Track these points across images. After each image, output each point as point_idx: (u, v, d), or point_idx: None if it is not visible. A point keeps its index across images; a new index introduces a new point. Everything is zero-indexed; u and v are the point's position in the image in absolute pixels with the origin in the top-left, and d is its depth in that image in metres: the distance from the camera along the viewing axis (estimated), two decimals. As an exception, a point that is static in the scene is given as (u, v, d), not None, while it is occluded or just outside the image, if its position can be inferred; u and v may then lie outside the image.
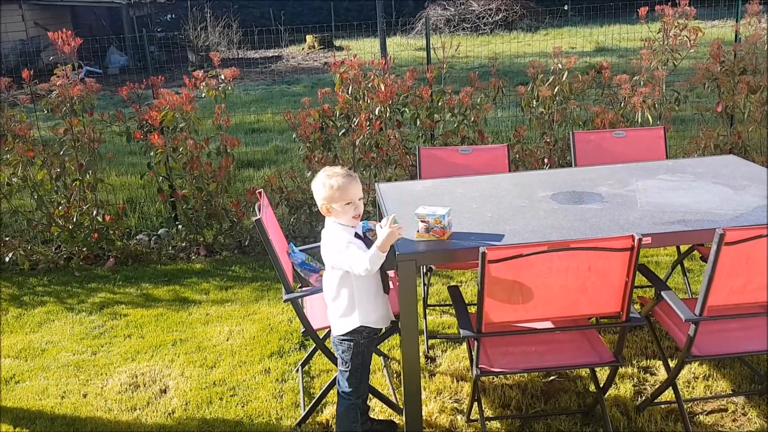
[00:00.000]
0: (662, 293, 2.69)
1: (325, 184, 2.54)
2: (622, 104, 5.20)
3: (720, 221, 2.75)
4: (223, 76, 5.18)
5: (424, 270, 3.67)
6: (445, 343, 3.55)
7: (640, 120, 5.04)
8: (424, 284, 3.72)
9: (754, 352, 2.69)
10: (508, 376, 3.18)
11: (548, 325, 2.64)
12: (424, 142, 5.45)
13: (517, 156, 5.33)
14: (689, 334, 2.54)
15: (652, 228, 2.73)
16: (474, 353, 2.53)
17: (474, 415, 2.87)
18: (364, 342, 2.62)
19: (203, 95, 5.16)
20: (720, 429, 2.76)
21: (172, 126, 5.04)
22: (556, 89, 5.22)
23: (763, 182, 3.27)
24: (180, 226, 5.33)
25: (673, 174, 3.50)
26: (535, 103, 5.40)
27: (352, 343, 2.61)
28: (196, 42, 17.20)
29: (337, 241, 2.53)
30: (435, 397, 3.06)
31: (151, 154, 5.04)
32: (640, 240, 2.41)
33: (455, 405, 3.01)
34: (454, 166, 3.95)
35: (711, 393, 3.00)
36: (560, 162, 5.39)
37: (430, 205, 2.81)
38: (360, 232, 2.60)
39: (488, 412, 2.93)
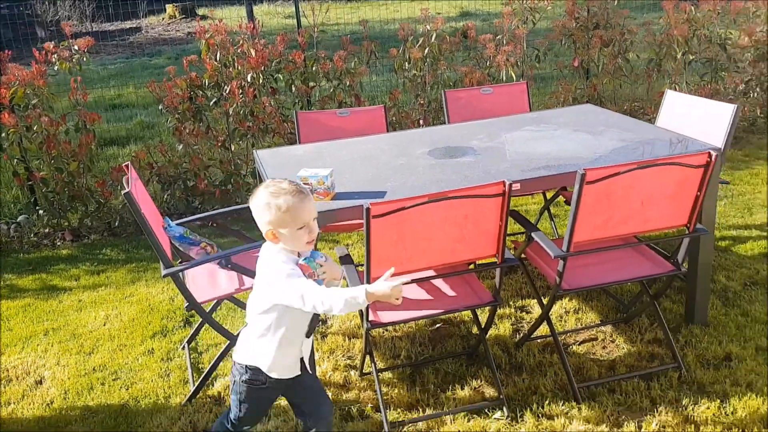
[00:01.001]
0: (532, 234, 2.87)
1: (271, 204, 2.03)
2: (488, 63, 5.42)
3: (581, 164, 2.95)
4: (76, 47, 4.81)
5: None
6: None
7: (504, 78, 5.28)
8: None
9: (616, 282, 2.94)
10: (397, 328, 3.28)
11: (432, 273, 2.73)
12: (301, 108, 5.40)
13: (394, 119, 5.42)
14: (558, 269, 2.72)
15: (520, 175, 2.89)
16: (364, 309, 2.58)
17: (367, 369, 2.93)
18: (263, 382, 2.15)
19: (56, 69, 4.77)
20: (592, 356, 3.01)
21: (24, 103, 4.63)
22: (426, 51, 5.33)
23: (618, 127, 3.55)
24: (41, 212, 4.94)
25: (538, 125, 3.71)
26: (407, 65, 5.50)
27: (244, 385, 2.15)
28: (45, 17, 15.77)
29: (281, 266, 2.02)
30: (328, 357, 3.09)
31: (2, 135, 4.61)
32: (510, 186, 2.54)
33: (348, 362, 3.06)
34: (333, 130, 3.95)
35: (582, 325, 3.26)
36: (435, 122, 5.55)
37: (311, 168, 2.80)
38: (303, 263, 2.06)
39: (380, 364, 3.01)
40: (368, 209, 2.37)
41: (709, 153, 2.61)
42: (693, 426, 2.49)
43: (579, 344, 3.11)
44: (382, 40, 6.15)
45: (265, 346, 2.11)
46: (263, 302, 2.08)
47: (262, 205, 2.04)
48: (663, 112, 3.76)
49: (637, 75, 5.90)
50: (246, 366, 2.14)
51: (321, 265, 2.07)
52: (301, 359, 2.18)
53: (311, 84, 5.40)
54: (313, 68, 5.32)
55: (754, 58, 6.03)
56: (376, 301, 1.96)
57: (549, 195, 4.17)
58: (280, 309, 2.05)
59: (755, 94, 6.21)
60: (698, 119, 3.48)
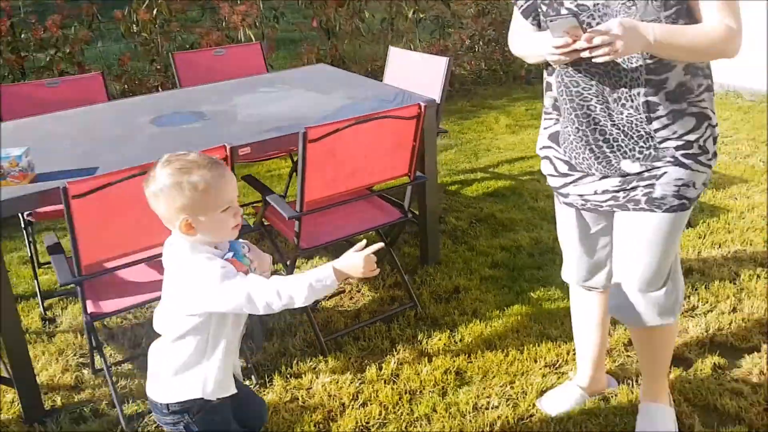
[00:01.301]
0: (267, 198, 2.82)
1: (182, 184, 1.52)
2: (224, 24, 5.21)
3: (309, 123, 2.94)
4: None
5: (23, 225, 3.21)
6: (65, 300, 3.22)
7: (243, 39, 5.12)
8: (30, 242, 3.27)
9: (352, 235, 3.01)
10: (137, 314, 3.04)
11: (142, 255, 2.48)
12: (13, 82, 4.72)
13: (126, 87, 4.99)
14: (295, 230, 2.72)
15: (250, 138, 2.81)
16: (80, 300, 2.32)
17: (99, 365, 2.68)
18: (199, 416, 1.70)
19: None
20: (339, 309, 3.08)
21: None
22: (154, 11, 4.95)
23: (347, 85, 3.62)
24: None
25: (272, 86, 3.65)
26: (136, 28, 5.07)
27: (182, 423, 1.70)
28: None
29: (208, 266, 1.56)
30: (57, 359, 2.76)
31: None
32: (232, 150, 2.45)
33: (81, 360, 2.76)
34: (43, 104, 3.48)
35: (331, 280, 3.32)
36: (175, 88, 5.23)
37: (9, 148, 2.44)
38: (231, 258, 1.62)
39: (118, 356, 2.78)
40: (65, 189, 2.12)
41: (419, 105, 2.75)
42: (427, 358, 2.68)
43: (327, 299, 3.16)
44: (109, 2, 5.61)
45: (204, 370, 1.65)
46: (186, 320, 1.61)
47: (169, 186, 1.53)
48: (388, 69, 3.92)
49: (374, 35, 6.12)
50: (183, 402, 1.68)
51: (246, 256, 1.66)
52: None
53: (23, 54, 4.74)
54: (22, 35, 4.67)
55: (476, 14, 6.60)
56: (94, 288, 1.69)
57: (296, 157, 4.17)
58: (215, 321, 1.62)
59: (479, 48, 6.82)
60: (418, 74, 3.68)
